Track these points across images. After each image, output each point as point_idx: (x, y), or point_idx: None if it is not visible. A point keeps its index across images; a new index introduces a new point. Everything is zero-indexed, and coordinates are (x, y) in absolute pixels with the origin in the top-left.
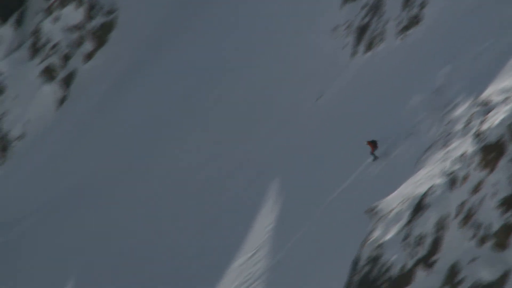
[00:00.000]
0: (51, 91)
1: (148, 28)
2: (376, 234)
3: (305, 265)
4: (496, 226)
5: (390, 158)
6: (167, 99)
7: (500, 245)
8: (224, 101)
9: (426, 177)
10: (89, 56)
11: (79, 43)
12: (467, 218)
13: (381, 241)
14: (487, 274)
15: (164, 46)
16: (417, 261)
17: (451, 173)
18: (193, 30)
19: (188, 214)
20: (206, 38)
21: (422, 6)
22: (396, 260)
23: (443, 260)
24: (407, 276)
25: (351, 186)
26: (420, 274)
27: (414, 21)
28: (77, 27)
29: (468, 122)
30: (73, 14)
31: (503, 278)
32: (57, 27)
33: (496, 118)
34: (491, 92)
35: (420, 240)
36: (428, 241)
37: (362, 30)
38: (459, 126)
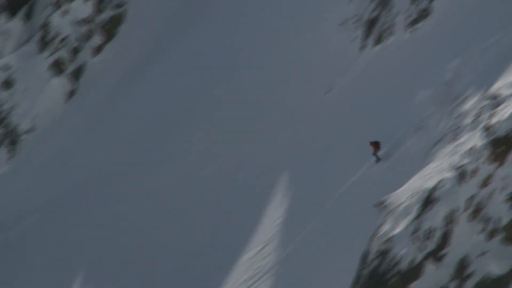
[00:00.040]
0: (60, 84)
1: (157, 21)
2: (385, 228)
3: (314, 258)
4: (505, 220)
5: (399, 152)
6: (176, 93)
7: (509, 239)
8: (233, 94)
9: (436, 171)
10: (98, 50)
11: (88, 36)
12: (476, 212)
13: (390, 235)
14: (496, 268)
15: (173, 39)
16: (426, 255)
17: (460, 167)
18: (202, 24)
19: (197, 208)
20: (215, 32)
21: None
22: (406, 254)
23: (452, 254)
24: (416, 269)
25: (360, 180)
26: (429, 268)
27: (423, 14)
28: (86, 20)
29: (477, 116)
30: (82, 8)
31: None
32: (66, 20)
33: (505, 111)
34: (501, 85)
35: (429, 234)
36: (437, 235)
37: (371, 24)
38: (469, 120)
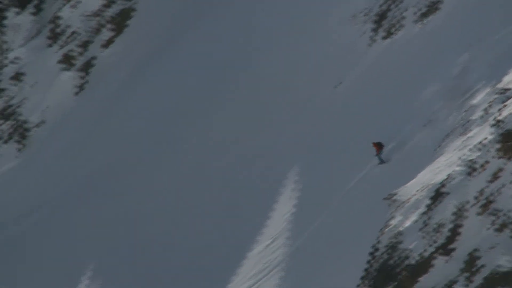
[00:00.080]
0: (69, 78)
1: (167, 15)
2: (394, 221)
3: (323, 252)
4: None
5: (409, 146)
6: (186, 87)
7: None
8: (243, 89)
9: (445, 165)
10: (107, 43)
11: (97, 30)
12: (486, 205)
13: (399, 229)
14: (506, 261)
15: (183, 33)
16: (436, 249)
17: (470, 160)
18: (213, 18)
19: (206, 202)
20: (225, 26)
21: None
22: (415, 247)
23: (462, 247)
24: (425, 263)
25: (370, 174)
26: (439, 261)
27: (433, 8)
28: (96, 14)
29: (487, 109)
30: (91, 1)
31: None
32: (76, 14)
33: None
34: (511, 79)
35: (438, 227)
36: (447, 228)
37: (380, 17)
38: (478, 113)
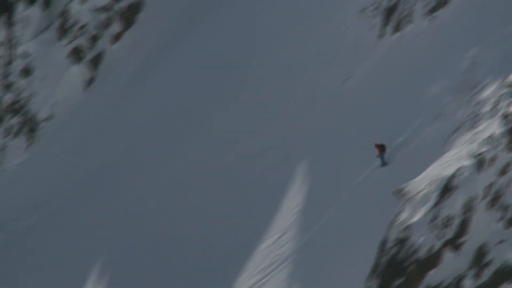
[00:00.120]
0: (79, 72)
1: (176, 9)
2: (403, 215)
3: (332, 246)
4: None
5: (418, 140)
6: (195, 80)
7: None
8: (251, 83)
9: (454, 159)
10: (117, 37)
11: (107, 24)
12: (495, 200)
13: (408, 223)
14: None
15: (193, 27)
16: (445, 243)
17: (479, 154)
18: (222, 12)
19: (214, 196)
20: (234, 20)
21: None
22: (424, 241)
23: (471, 242)
24: (434, 257)
25: (378, 168)
26: (448, 255)
27: (442, 2)
28: (105, 8)
29: (496, 104)
30: None
31: None
32: (85, 8)
33: None
34: None
35: (447, 221)
36: (456, 223)
37: (389, 11)
38: (487, 108)
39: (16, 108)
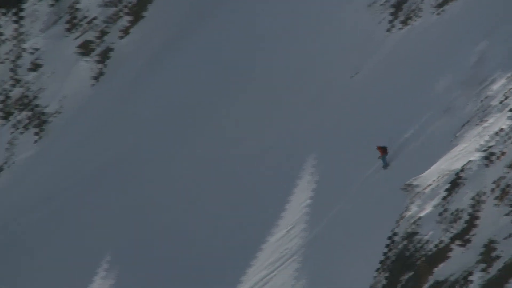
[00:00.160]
0: (87, 66)
1: (185, 3)
2: (412, 210)
3: (340, 241)
4: None
5: (426, 134)
6: (203, 74)
7: None
8: (260, 77)
9: (463, 153)
10: (125, 32)
11: (115, 18)
12: (503, 194)
13: (417, 217)
14: None
15: (201, 21)
16: (453, 237)
17: (488, 149)
18: (230, 6)
19: (223, 190)
20: (243, 14)
21: None
22: (432, 236)
23: (479, 236)
24: (443, 252)
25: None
26: (456, 250)
27: None
28: (114, 2)
29: (504, 98)
30: None
31: None
32: (94, 2)
33: None
34: None
35: (456, 216)
36: (464, 217)
37: (398, 6)
38: (496, 102)
39: (24, 102)
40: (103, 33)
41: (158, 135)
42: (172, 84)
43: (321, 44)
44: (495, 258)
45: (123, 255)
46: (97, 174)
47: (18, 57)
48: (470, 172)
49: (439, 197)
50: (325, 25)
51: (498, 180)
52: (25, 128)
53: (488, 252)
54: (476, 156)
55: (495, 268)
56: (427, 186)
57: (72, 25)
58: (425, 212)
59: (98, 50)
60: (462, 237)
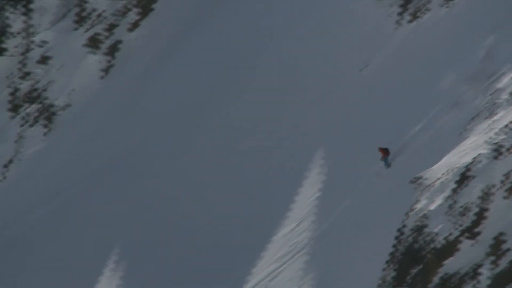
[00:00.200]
0: (96, 60)
1: None
2: (421, 204)
3: (349, 235)
4: None
5: (435, 128)
6: (212, 68)
7: None
8: (268, 71)
9: (471, 147)
10: (134, 26)
11: (124, 12)
12: None
13: (426, 211)
14: None
15: (209, 15)
16: (462, 231)
17: (497, 143)
18: (238, 0)
19: (232, 184)
20: (250, 8)
21: None
22: (441, 230)
23: (488, 230)
24: (451, 246)
25: (396, 156)
26: (465, 244)
27: None
28: None
29: None
30: None
31: None
32: None
33: None
34: None
35: (465, 210)
36: (473, 211)
37: (407, 0)
38: (504, 96)
39: (33, 96)
40: (111, 27)
41: (167, 129)
42: (181, 78)
43: (330, 38)
44: (504, 252)
45: (129, 252)
46: (106, 168)
47: (26, 51)
48: (479, 166)
49: (448, 191)
50: (334, 19)
51: (507, 174)
52: (34, 122)
53: (497, 246)
54: (484, 150)
55: (504, 262)
56: (436, 180)
57: (81, 19)
58: (433, 206)
59: (106, 44)
60: (471, 231)
